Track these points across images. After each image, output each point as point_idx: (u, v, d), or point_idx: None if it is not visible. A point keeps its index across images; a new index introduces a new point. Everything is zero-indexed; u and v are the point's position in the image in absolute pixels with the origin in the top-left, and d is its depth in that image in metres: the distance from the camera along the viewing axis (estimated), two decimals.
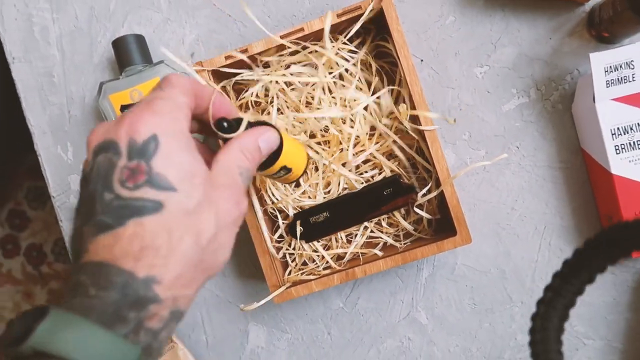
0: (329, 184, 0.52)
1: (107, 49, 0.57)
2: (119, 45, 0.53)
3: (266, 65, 0.51)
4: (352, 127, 0.49)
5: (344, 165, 0.50)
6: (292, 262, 0.52)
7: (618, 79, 0.45)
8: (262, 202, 0.52)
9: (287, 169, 0.40)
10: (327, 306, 0.55)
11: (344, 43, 0.48)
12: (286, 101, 0.51)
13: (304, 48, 0.49)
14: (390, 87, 0.49)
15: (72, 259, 0.28)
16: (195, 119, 0.34)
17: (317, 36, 0.48)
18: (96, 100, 0.55)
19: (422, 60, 0.53)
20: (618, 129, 0.46)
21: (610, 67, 0.45)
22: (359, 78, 0.50)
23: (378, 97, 0.49)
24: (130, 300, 0.24)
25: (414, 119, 0.47)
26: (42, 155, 0.59)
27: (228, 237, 0.29)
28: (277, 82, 0.51)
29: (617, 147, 0.46)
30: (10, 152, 0.94)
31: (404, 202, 0.49)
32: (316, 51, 0.49)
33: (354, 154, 0.50)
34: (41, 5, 0.58)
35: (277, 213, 0.52)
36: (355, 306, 0.55)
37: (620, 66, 0.45)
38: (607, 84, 0.46)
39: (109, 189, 0.26)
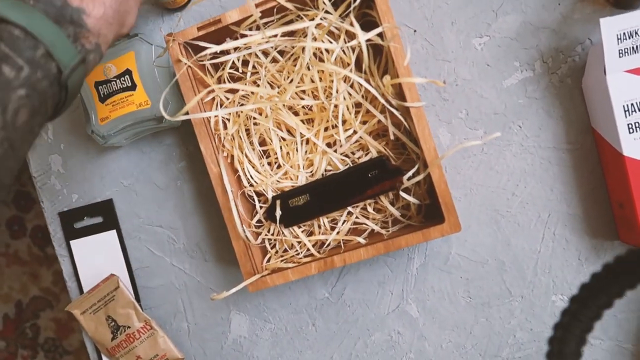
0: (311, 164, 0.48)
1: None
2: None
3: (244, 36, 0.47)
4: (336, 105, 0.45)
5: (328, 146, 0.47)
6: (271, 248, 0.49)
7: (632, 47, 0.40)
8: (239, 184, 0.48)
9: None
10: (312, 296, 0.52)
11: (326, 12, 0.44)
12: (266, 75, 0.47)
13: (284, 16, 0.45)
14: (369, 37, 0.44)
15: None
16: None
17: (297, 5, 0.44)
18: None
19: (415, 31, 0.49)
20: (632, 104, 0.41)
21: (624, 34, 0.40)
22: (343, 49, 0.45)
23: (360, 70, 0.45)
24: (67, 17, 0.32)
25: (403, 97, 0.43)
26: None
27: (134, 3, 0.38)
28: (256, 54, 0.47)
29: (630, 126, 0.41)
30: None
31: (391, 185, 0.45)
32: (299, 17, 0.45)
33: (334, 136, 0.46)
34: None
35: (255, 197, 0.49)
36: (342, 296, 0.52)
37: (636, 33, 0.39)
38: (619, 53, 0.40)
39: None
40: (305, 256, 0.48)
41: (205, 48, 0.46)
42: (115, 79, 0.50)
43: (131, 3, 0.38)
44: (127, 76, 0.49)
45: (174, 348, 0.54)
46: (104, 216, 0.56)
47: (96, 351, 0.57)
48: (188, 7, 0.52)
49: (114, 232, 0.56)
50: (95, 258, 0.56)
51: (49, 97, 0.32)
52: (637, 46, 0.40)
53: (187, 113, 0.46)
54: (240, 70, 0.48)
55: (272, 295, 0.53)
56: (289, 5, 0.43)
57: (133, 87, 0.49)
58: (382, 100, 0.42)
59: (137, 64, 0.49)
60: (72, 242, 0.57)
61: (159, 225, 0.55)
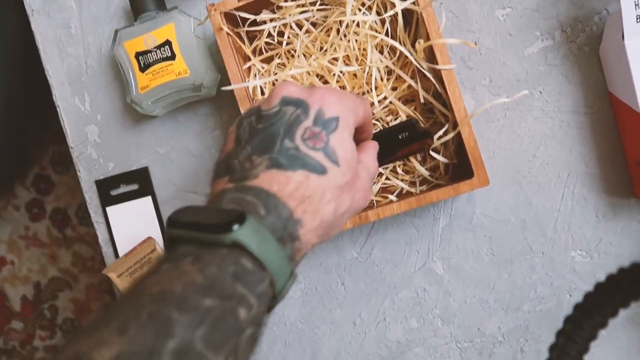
0: None
1: (122, 0, 0.57)
2: None
3: (280, 9, 0.50)
4: (370, 73, 0.48)
5: None
6: None
7: None
8: None
9: None
10: (341, 256, 0.55)
11: None
12: (301, 44, 0.50)
13: None
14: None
15: (230, 176, 0.32)
16: None
17: None
18: (112, 49, 0.55)
19: (441, 4, 0.51)
20: None
21: None
22: (375, 21, 0.48)
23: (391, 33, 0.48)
24: (288, 233, 0.30)
25: (433, 62, 0.46)
26: (60, 106, 0.60)
27: (346, 219, 0.36)
28: (291, 26, 0.50)
29: None
30: (35, 117, 0.96)
31: (420, 147, 0.47)
32: None
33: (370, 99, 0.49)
34: None
35: None
36: (370, 256, 0.54)
37: None
38: (637, 18, 0.43)
39: (291, 138, 0.31)
40: None
41: (243, 19, 0.49)
42: (155, 50, 0.52)
43: (345, 219, 0.35)
44: (166, 46, 0.52)
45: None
46: (140, 183, 0.58)
47: None
48: None
49: (149, 199, 0.58)
50: (130, 224, 0.58)
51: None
52: None
53: (228, 82, 0.48)
54: (276, 41, 0.51)
55: None
56: None
57: (172, 57, 0.52)
58: (415, 63, 0.45)
59: (176, 35, 0.52)
60: (108, 209, 0.59)
61: (193, 191, 0.57)
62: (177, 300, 0.24)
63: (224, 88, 0.45)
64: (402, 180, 0.51)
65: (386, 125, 0.50)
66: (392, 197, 0.49)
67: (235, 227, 0.26)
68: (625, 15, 0.43)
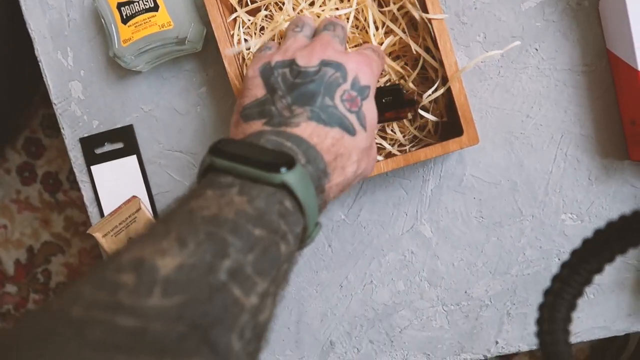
0: None
1: None
2: None
3: None
4: (354, 23, 0.46)
5: None
6: None
7: None
8: None
9: None
10: (329, 217, 0.54)
11: None
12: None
13: None
14: None
15: (268, 120, 0.34)
16: None
17: None
18: (94, 1, 0.53)
19: None
20: None
21: None
22: None
23: None
24: (320, 184, 0.32)
25: (425, 11, 0.44)
26: (42, 62, 0.58)
27: (357, 182, 0.39)
28: None
29: None
30: (24, 78, 0.94)
31: (401, 115, 0.45)
32: None
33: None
34: None
35: None
36: (358, 218, 0.54)
37: None
38: None
39: (331, 97, 0.34)
40: None
41: None
42: (137, 0, 0.50)
43: (356, 181, 0.38)
44: None
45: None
46: (125, 142, 0.57)
47: None
48: None
49: (134, 158, 0.57)
50: (116, 183, 0.57)
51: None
52: None
53: (213, 36, 0.46)
54: None
55: None
56: None
57: (155, 7, 0.50)
58: (410, 6, 0.43)
59: None
60: (92, 168, 0.58)
61: (179, 150, 0.56)
62: (231, 225, 0.26)
63: (225, 52, 0.43)
64: (390, 140, 0.49)
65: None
66: (380, 157, 0.48)
67: (284, 169, 0.28)
68: None
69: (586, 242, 0.26)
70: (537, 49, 0.48)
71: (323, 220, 0.54)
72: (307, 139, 0.32)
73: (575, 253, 0.27)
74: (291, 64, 0.35)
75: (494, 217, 0.51)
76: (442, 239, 0.52)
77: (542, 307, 0.28)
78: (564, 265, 0.28)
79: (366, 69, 0.36)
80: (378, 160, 0.47)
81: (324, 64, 0.35)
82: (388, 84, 0.48)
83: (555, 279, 0.28)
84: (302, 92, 0.34)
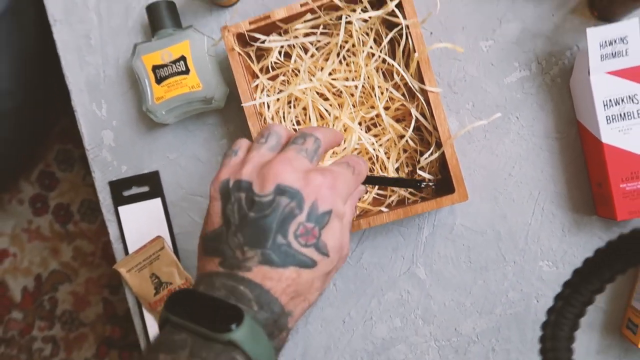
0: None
1: (140, 14, 0.62)
2: (152, 10, 0.58)
3: (287, 32, 0.55)
4: (363, 90, 0.53)
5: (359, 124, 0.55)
6: None
7: (612, 53, 0.49)
8: None
9: None
10: None
11: (362, 10, 0.52)
12: (301, 66, 0.55)
13: (327, 13, 0.53)
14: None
15: (222, 260, 0.34)
16: None
17: (332, 5, 0.52)
18: (130, 61, 0.60)
19: (431, 33, 0.57)
20: (610, 100, 0.50)
21: (605, 41, 0.49)
22: (371, 46, 0.54)
23: (384, 62, 0.53)
24: (279, 325, 0.32)
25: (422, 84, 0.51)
26: (78, 111, 0.64)
27: (323, 289, 0.38)
28: (294, 46, 0.55)
29: (608, 118, 0.50)
30: (44, 115, 1.00)
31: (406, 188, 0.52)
32: (338, 18, 0.53)
33: (364, 116, 0.54)
34: None
35: None
36: (360, 260, 0.60)
37: (615, 41, 0.48)
38: (601, 57, 0.49)
39: (284, 234, 0.32)
40: None
41: (254, 39, 0.54)
42: (171, 64, 0.57)
43: (320, 292, 0.37)
44: (181, 62, 0.57)
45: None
46: (150, 186, 0.63)
47: (137, 305, 0.64)
48: (235, 9, 0.60)
49: (158, 200, 0.63)
50: (140, 223, 0.63)
51: None
52: (616, 52, 0.49)
53: (237, 96, 0.53)
54: (283, 60, 0.56)
55: None
56: (338, 2, 0.51)
57: (187, 71, 0.57)
58: (409, 79, 0.51)
59: (191, 51, 0.57)
60: (120, 208, 0.64)
61: (200, 195, 0.62)
62: None
63: (244, 104, 0.51)
64: (390, 191, 0.56)
65: (375, 140, 0.56)
66: (383, 208, 0.55)
67: (233, 326, 0.29)
68: (592, 53, 0.49)
69: (587, 262, 0.26)
70: (517, 117, 0.56)
71: None
72: (260, 283, 0.32)
73: (577, 272, 0.27)
74: (248, 189, 0.34)
75: (481, 262, 0.58)
76: (435, 281, 0.58)
77: (545, 326, 0.27)
78: (567, 284, 0.27)
79: (326, 192, 0.34)
80: (382, 212, 0.54)
81: (279, 191, 0.33)
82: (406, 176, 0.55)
83: (558, 297, 0.28)
84: (254, 231, 0.33)
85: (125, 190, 0.63)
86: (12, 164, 0.98)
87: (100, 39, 0.63)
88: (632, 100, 0.49)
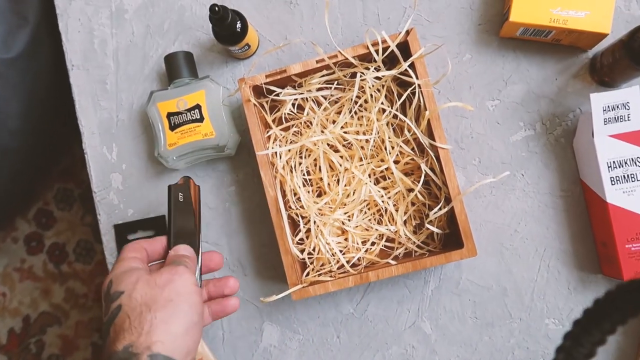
0: (349, 194, 0.57)
1: (157, 63, 0.64)
2: (171, 59, 0.60)
3: (300, 86, 0.57)
4: (374, 144, 0.55)
5: (368, 176, 0.56)
6: (310, 264, 0.57)
7: (615, 117, 0.51)
8: (286, 206, 0.57)
9: (248, 46, 0.58)
10: (339, 311, 0.60)
11: (375, 69, 0.54)
12: (314, 118, 0.57)
13: (341, 69, 0.55)
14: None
15: None
16: None
17: (346, 62, 0.55)
18: (145, 107, 0.61)
19: (439, 92, 0.59)
20: (614, 162, 0.51)
21: (608, 106, 0.51)
22: (382, 102, 0.56)
23: (395, 117, 0.55)
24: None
25: (432, 140, 0.53)
26: (88, 154, 0.65)
27: (179, 285, 0.44)
28: (307, 99, 0.57)
29: (612, 179, 0.51)
30: (48, 155, 1.00)
31: None
32: (351, 75, 0.55)
33: (373, 168, 0.55)
34: (103, 21, 0.65)
35: (300, 218, 0.57)
36: (365, 312, 0.59)
37: (617, 106, 0.51)
38: (604, 121, 0.51)
39: (103, 326, 0.42)
40: (338, 269, 0.56)
41: (270, 91, 0.56)
42: (186, 112, 0.58)
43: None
44: (196, 110, 0.58)
45: (209, 352, 0.60)
46: (156, 230, 0.63)
47: None
48: (254, 62, 0.62)
49: None
50: None
51: None
52: (618, 116, 0.51)
53: (249, 145, 0.54)
54: (296, 111, 0.58)
55: (303, 309, 0.60)
56: (351, 59, 0.53)
57: (201, 119, 0.58)
58: (421, 136, 0.52)
59: (206, 101, 0.58)
60: None
61: (205, 240, 0.62)
62: None
63: (258, 153, 0.52)
64: (398, 244, 0.56)
65: (384, 192, 0.56)
66: (390, 261, 0.55)
67: None
68: (595, 117, 0.51)
69: (587, 312, 0.26)
70: (522, 175, 0.58)
71: (333, 313, 0.59)
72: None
73: (577, 323, 0.27)
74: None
75: (487, 317, 0.57)
76: (441, 336, 0.58)
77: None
78: (567, 336, 0.27)
79: (106, 278, 0.45)
80: (390, 264, 0.54)
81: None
82: None
83: (559, 350, 0.27)
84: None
85: (130, 233, 0.63)
86: (11, 201, 0.97)
87: (116, 85, 0.65)
88: (636, 163, 0.51)
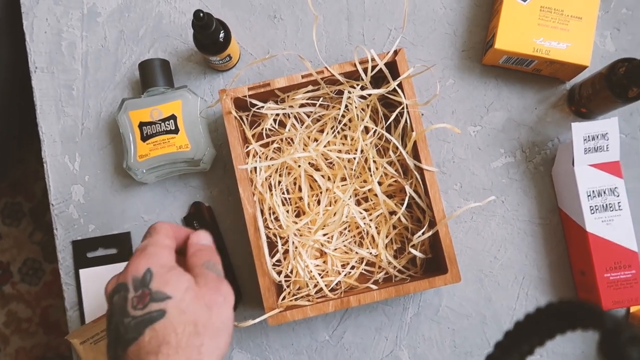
0: (330, 215, 0.55)
1: (130, 70, 0.60)
2: (145, 66, 0.56)
3: (283, 101, 0.55)
4: (358, 163, 0.53)
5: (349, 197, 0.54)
6: (287, 287, 0.54)
7: (594, 147, 0.52)
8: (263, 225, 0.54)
9: (229, 57, 0.56)
10: (314, 338, 0.57)
11: (361, 87, 0.53)
12: (295, 135, 0.55)
13: (327, 86, 0.53)
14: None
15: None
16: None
17: (332, 80, 0.53)
18: (115, 115, 0.58)
19: (422, 114, 0.59)
20: (593, 191, 0.52)
21: (589, 136, 0.52)
22: (367, 121, 0.54)
23: (380, 138, 0.54)
24: None
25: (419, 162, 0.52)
26: (48, 163, 0.60)
27: (225, 314, 0.37)
28: (289, 115, 0.55)
29: (592, 208, 0.52)
30: None
31: None
32: (337, 92, 0.53)
33: (357, 188, 0.54)
34: (73, 22, 0.62)
35: (278, 239, 0.54)
36: (341, 340, 0.57)
37: (597, 136, 0.52)
38: (585, 150, 0.52)
39: (126, 315, 0.35)
40: (315, 293, 0.53)
41: (252, 105, 0.54)
42: (160, 122, 0.55)
43: (224, 314, 0.38)
44: (171, 120, 0.55)
45: None
46: (120, 248, 0.58)
47: None
48: (237, 73, 0.60)
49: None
50: (103, 289, 0.57)
51: None
52: (598, 146, 0.52)
53: (227, 159, 0.52)
54: (277, 127, 0.56)
55: (275, 335, 0.57)
56: (338, 76, 0.52)
57: (176, 130, 0.55)
58: (407, 157, 0.51)
59: (182, 111, 0.55)
60: (81, 271, 0.58)
61: None
62: None
63: (239, 167, 0.49)
64: (379, 268, 0.54)
65: (365, 213, 0.55)
66: (371, 285, 0.53)
67: None
68: (576, 146, 0.52)
69: (508, 335, 0.28)
70: (503, 201, 0.57)
71: (307, 340, 0.56)
72: None
73: (507, 334, 0.28)
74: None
75: (466, 346, 0.56)
76: None
77: None
78: (497, 346, 0.28)
79: (137, 260, 0.37)
80: (371, 289, 0.52)
81: (111, 295, 0.37)
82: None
83: (489, 357, 0.29)
84: (114, 335, 0.36)
85: (90, 251, 0.58)
86: None
87: (83, 91, 0.61)
88: (614, 193, 0.52)
